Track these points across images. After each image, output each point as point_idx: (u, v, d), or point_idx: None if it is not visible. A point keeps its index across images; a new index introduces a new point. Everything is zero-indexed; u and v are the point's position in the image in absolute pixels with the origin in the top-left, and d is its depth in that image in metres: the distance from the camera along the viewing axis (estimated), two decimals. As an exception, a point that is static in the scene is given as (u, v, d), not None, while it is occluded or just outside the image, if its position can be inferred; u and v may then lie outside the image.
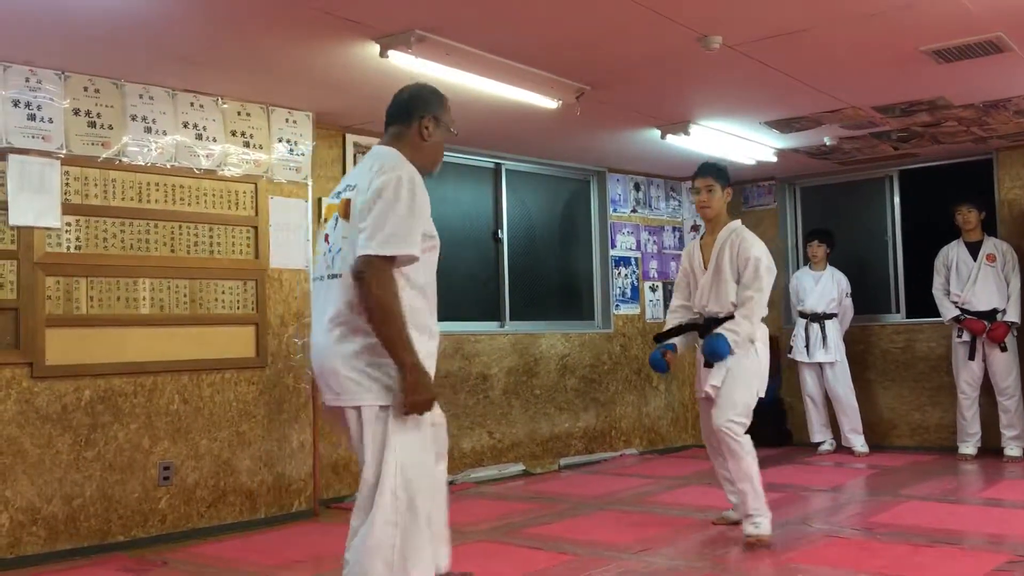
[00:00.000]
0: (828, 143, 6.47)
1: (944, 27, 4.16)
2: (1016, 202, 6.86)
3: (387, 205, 2.58)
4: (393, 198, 2.59)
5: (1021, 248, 6.58)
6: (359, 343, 2.62)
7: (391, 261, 2.56)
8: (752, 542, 4.03)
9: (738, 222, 4.38)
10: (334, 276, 2.70)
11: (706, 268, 4.33)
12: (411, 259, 2.60)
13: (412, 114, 2.83)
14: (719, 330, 4.15)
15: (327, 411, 2.78)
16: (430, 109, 2.82)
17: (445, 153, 2.99)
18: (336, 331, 2.65)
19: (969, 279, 6.54)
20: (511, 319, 6.73)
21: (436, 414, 2.85)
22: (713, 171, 4.37)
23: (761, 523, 4.06)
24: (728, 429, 4.07)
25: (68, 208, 4.36)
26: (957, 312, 6.55)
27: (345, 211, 2.70)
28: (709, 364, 4.18)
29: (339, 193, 2.80)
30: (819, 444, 7.16)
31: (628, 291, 7.49)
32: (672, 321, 4.50)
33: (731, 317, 4.18)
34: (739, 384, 4.10)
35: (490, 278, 6.72)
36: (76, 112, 4.39)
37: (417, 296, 2.67)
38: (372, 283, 2.54)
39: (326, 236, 2.79)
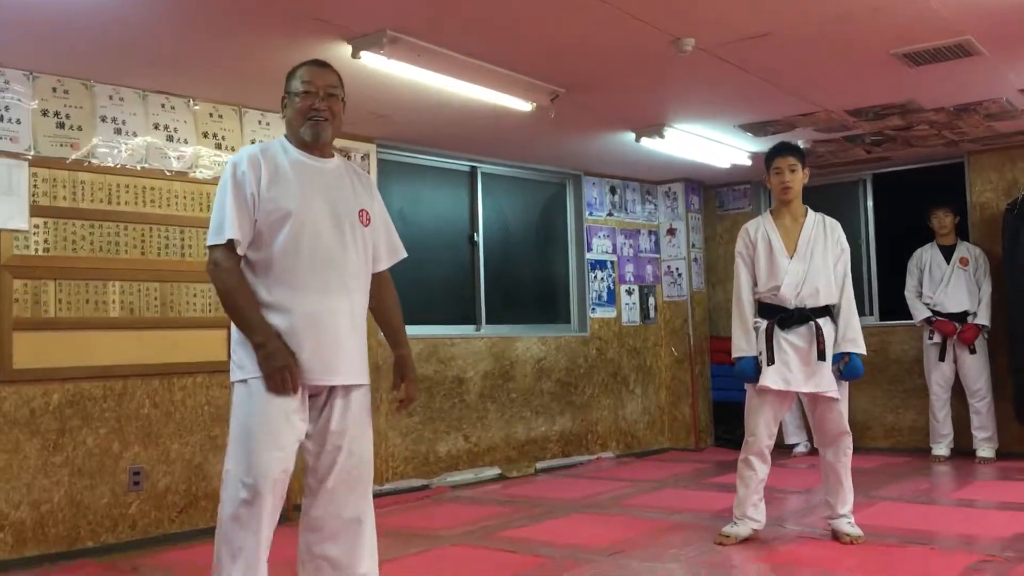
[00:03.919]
0: (802, 146, 6.50)
1: (913, 30, 4.20)
2: (987, 205, 6.92)
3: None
4: (217, 190, 2.80)
5: (992, 252, 6.65)
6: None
7: (214, 249, 2.72)
8: (853, 541, 4.06)
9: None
10: None
11: (791, 254, 4.11)
12: (232, 244, 2.70)
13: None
14: (854, 350, 4.03)
15: None
16: (285, 90, 2.91)
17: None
18: None
19: (942, 282, 6.61)
20: (487, 322, 6.72)
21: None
22: (795, 151, 4.19)
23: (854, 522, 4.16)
24: (849, 432, 4.20)
25: (36, 210, 4.31)
26: (928, 314, 6.61)
27: None
28: (831, 364, 4.03)
29: None
30: (794, 446, 7.19)
31: (604, 294, 7.49)
32: (748, 321, 4.15)
33: (829, 308, 4.09)
34: None
35: (466, 281, 6.70)
36: (44, 113, 4.34)
37: (251, 275, 2.73)
38: (208, 272, 2.77)
39: None
